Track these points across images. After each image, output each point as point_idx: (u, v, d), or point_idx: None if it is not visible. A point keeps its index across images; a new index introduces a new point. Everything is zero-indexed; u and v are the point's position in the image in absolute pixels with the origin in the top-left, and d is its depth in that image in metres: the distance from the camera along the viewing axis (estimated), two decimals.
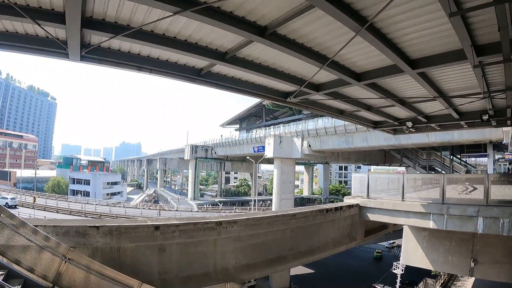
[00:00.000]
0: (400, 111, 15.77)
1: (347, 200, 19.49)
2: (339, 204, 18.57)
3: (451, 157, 60.71)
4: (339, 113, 15.89)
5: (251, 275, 13.49)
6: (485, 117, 14.95)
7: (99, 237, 9.92)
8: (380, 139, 42.64)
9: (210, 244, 11.98)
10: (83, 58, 8.68)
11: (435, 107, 14.53)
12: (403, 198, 17.38)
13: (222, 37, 8.41)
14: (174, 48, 8.44)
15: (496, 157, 50.97)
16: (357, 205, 18.65)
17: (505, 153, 39.93)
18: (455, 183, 16.21)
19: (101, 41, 8.22)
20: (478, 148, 49.70)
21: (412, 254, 27.32)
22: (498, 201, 15.07)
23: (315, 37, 8.31)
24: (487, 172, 16.07)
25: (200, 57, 9.05)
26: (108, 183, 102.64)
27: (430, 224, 16.23)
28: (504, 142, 32.24)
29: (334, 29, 7.71)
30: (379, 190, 18.62)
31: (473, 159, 68.12)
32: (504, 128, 29.63)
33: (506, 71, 8.43)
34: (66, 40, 7.62)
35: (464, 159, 63.89)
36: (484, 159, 54.62)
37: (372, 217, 18.41)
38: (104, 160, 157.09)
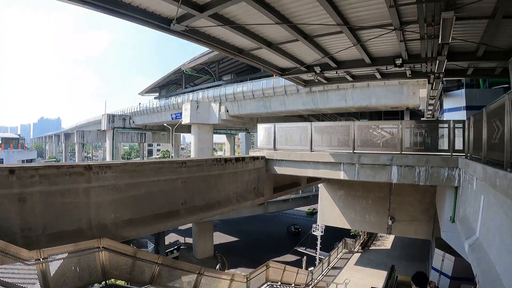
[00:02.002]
0: (305, 51, 14.18)
1: (253, 153, 17.83)
2: (242, 155, 16.99)
3: None
4: (238, 52, 14.02)
5: (136, 232, 11.27)
6: (399, 61, 13.91)
7: None
8: (298, 103, 42.26)
9: (81, 194, 9.61)
10: None
11: (343, 43, 13.02)
12: (311, 148, 15.92)
13: None
14: None
15: None
16: (263, 157, 16.95)
17: (422, 119, 40.32)
18: (366, 130, 14.88)
19: None
20: (395, 115, 50.31)
21: (329, 214, 26.74)
22: (413, 149, 13.97)
23: None
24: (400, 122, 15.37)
25: None
26: (23, 161, 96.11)
27: (341, 175, 14.85)
28: (420, 108, 32.42)
29: None
30: (287, 141, 17.05)
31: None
32: (421, 94, 29.55)
33: None
34: None
35: None
36: None
37: (279, 170, 16.86)
38: (18, 137, 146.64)
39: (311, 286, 21.84)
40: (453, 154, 12.93)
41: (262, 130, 17.94)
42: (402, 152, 13.77)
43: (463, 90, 22.34)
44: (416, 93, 32.73)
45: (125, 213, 10.80)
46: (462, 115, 21.07)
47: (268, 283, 19.50)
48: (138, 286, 10.46)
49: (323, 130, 16.15)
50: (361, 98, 37.33)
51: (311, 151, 15.85)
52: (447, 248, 19.46)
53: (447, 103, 23.22)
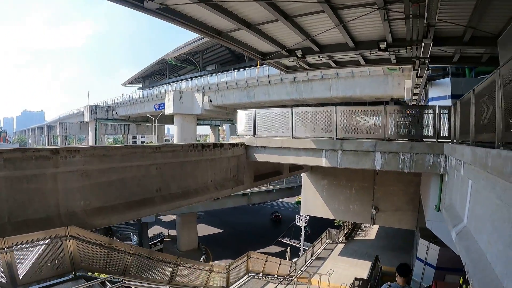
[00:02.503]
0: (286, 33, 13.62)
1: (232, 140, 17.31)
2: (220, 141, 16.48)
3: None
4: (216, 34, 13.38)
5: (107, 220, 10.66)
6: (383, 45, 13.44)
7: None
8: (282, 93, 42.14)
9: (49, 180, 9.05)
10: None
11: (325, 24, 12.50)
12: (292, 135, 15.42)
13: None
14: None
15: None
16: (243, 144, 16.39)
17: (406, 110, 40.27)
18: (349, 115, 14.43)
19: None
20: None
21: (312, 204, 26.49)
22: (398, 135, 13.61)
23: None
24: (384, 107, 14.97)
25: None
26: None
27: (323, 162, 14.38)
28: (405, 99, 32.31)
29: None
30: (268, 127, 16.50)
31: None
32: (405, 85, 29.36)
33: None
34: None
35: None
36: None
37: (260, 157, 16.35)
38: (0, 130, 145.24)
39: (294, 277, 21.43)
40: (439, 140, 12.58)
41: (243, 117, 17.42)
42: (386, 139, 13.38)
43: (448, 79, 22.16)
44: (401, 84, 32.63)
45: (96, 200, 10.25)
46: (447, 104, 20.78)
47: (249, 274, 19.11)
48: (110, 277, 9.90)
49: (305, 115, 15.64)
50: (345, 88, 37.18)
51: (292, 138, 15.38)
52: (431, 238, 19.57)
53: (432, 92, 23.00)
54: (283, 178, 20.98)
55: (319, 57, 15.90)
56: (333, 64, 17.50)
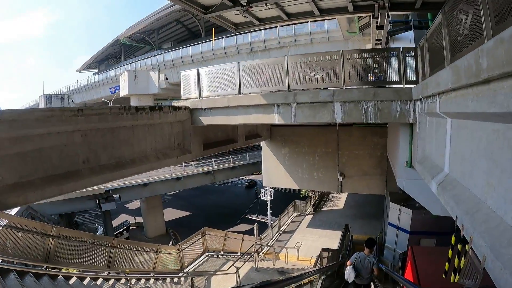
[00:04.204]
0: None
1: (175, 103, 15.48)
2: (159, 104, 14.67)
3: None
4: None
5: (23, 198, 8.66)
6: None
7: None
8: None
9: None
10: None
11: None
12: (240, 91, 13.77)
13: None
14: None
15: None
16: (187, 107, 14.47)
17: (368, 75, 39.91)
18: (302, 65, 12.77)
19: None
20: None
21: (274, 174, 25.25)
22: (359, 82, 12.20)
23: None
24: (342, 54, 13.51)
25: None
26: None
27: (275, 119, 12.73)
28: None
29: None
30: (214, 86, 14.64)
31: None
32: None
33: None
34: None
35: None
36: None
37: (206, 120, 14.55)
38: None
39: (254, 252, 20.06)
40: (406, 86, 11.27)
41: (186, 77, 15.62)
42: (346, 86, 11.94)
43: (411, 32, 21.06)
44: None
45: (8, 175, 8.31)
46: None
47: (207, 254, 17.60)
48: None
49: (253, 69, 13.84)
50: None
51: (240, 94, 13.76)
52: (402, 201, 19.03)
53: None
54: (238, 146, 19.37)
55: (266, 6, 14.25)
56: (284, 17, 15.94)
